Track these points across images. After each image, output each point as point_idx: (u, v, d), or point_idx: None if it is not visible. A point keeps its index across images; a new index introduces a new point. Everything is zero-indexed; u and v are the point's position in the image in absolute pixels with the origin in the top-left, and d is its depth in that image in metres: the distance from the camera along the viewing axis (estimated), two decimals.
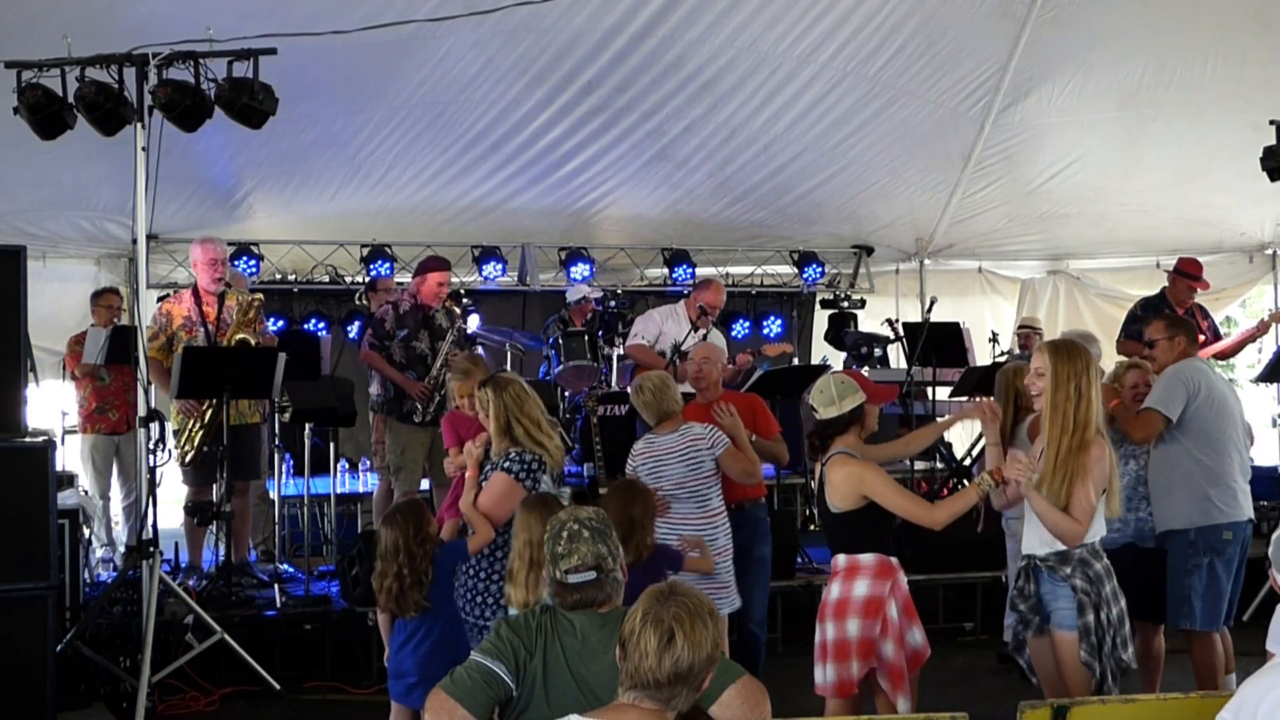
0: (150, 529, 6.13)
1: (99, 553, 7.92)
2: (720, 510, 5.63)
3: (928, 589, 7.58)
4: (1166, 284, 8.75)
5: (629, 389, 6.26)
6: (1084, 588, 4.27)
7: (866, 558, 4.48)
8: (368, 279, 9.61)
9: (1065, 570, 4.30)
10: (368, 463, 9.62)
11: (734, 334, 10.81)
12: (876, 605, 4.43)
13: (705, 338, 8.06)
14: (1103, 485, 4.30)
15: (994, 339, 10.21)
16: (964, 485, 8.65)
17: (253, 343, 7.15)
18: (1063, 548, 4.31)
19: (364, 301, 9.52)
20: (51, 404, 8.56)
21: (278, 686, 6.28)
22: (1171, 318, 6.07)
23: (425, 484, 7.81)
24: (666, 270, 10.75)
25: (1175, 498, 5.49)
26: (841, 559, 4.55)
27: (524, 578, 4.06)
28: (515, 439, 4.81)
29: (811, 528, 9.35)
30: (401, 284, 9.46)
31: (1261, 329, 8.89)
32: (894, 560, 4.53)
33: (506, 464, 4.77)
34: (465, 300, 9.40)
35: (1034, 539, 4.42)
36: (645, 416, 5.79)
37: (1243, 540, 5.57)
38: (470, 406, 5.31)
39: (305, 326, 9.94)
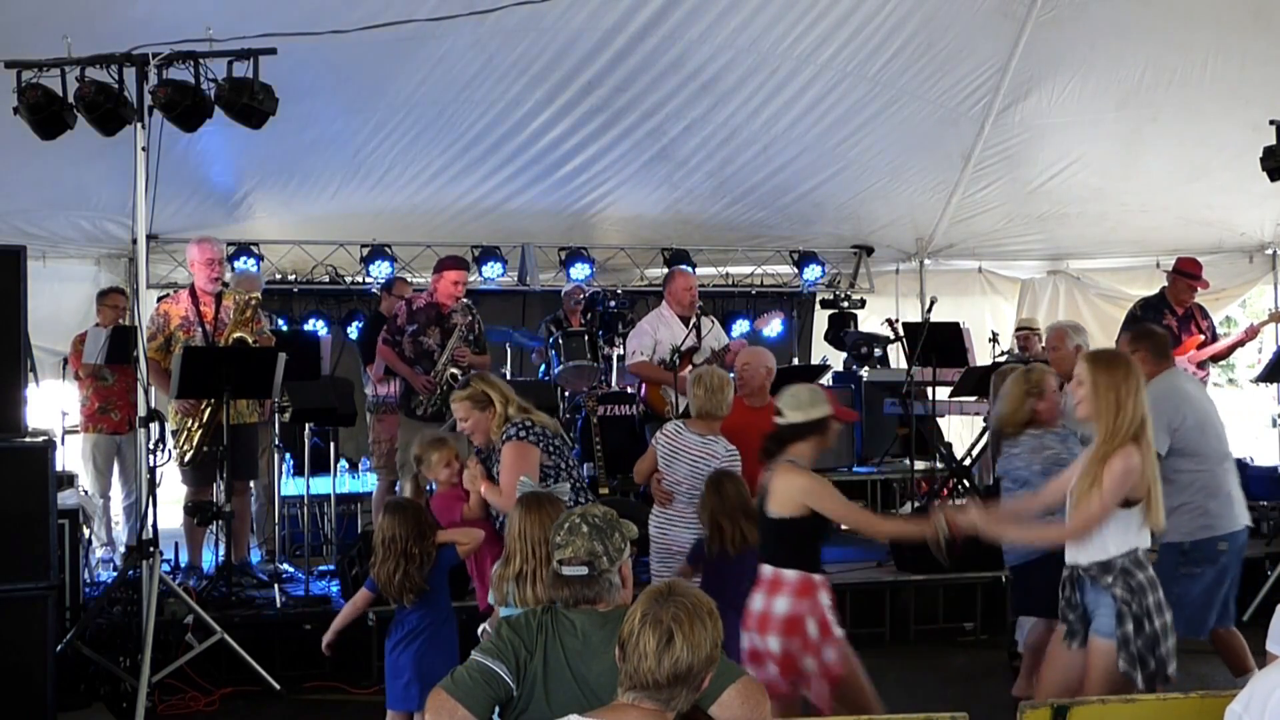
0: (150, 529, 6.13)
1: (99, 553, 7.92)
2: None
3: (928, 589, 7.59)
4: (1166, 284, 8.76)
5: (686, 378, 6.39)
6: (1124, 596, 4.22)
7: (789, 574, 4.50)
8: (385, 278, 9.60)
9: (1107, 579, 4.25)
10: (368, 463, 9.62)
11: (733, 334, 10.80)
12: (796, 623, 4.46)
13: (701, 336, 8.06)
14: (1125, 494, 4.22)
15: (994, 339, 10.22)
16: (964, 485, 8.68)
17: (250, 341, 7.15)
18: (1105, 557, 4.26)
19: (378, 295, 9.51)
20: (51, 404, 8.56)
21: (278, 686, 6.27)
22: (1136, 331, 5.78)
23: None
24: (666, 270, 10.75)
25: (1175, 514, 5.45)
26: (768, 570, 4.58)
27: (541, 574, 4.03)
28: (508, 418, 5.04)
29: None
30: (417, 286, 9.46)
31: (1249, 334, 8.89)
32: (816, 577, 4.53)
33: (507, 435, 4.97)
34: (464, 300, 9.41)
35: (1076, 549, 4.38)
36: (690, 406, 5.98)
37: (1238, 548, 5.52)
38: (451, 477, 5.26)
39: (305, 326, 9.93)
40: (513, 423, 5.01)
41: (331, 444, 8.52)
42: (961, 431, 10.54)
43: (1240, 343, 8.84)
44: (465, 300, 7.94)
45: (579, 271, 10.36)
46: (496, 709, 3.12)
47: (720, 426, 5.91)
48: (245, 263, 9.46)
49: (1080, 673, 4.38)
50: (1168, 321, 8.57)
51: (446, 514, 5.18)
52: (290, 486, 8.54)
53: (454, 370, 7.65)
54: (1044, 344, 9.25)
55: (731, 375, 6.56)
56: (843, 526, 4.89)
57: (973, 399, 9.38)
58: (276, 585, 7.10)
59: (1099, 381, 4.28)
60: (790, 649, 4.43)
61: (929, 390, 9.27)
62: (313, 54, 6.90)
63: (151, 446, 6.18)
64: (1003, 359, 9.30)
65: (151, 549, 6.05)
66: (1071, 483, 4.40)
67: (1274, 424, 11.00)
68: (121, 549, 7.96)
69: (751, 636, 4.56)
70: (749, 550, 5.32)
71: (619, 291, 10.00)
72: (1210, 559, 5.42)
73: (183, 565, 7.46)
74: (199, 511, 6.96)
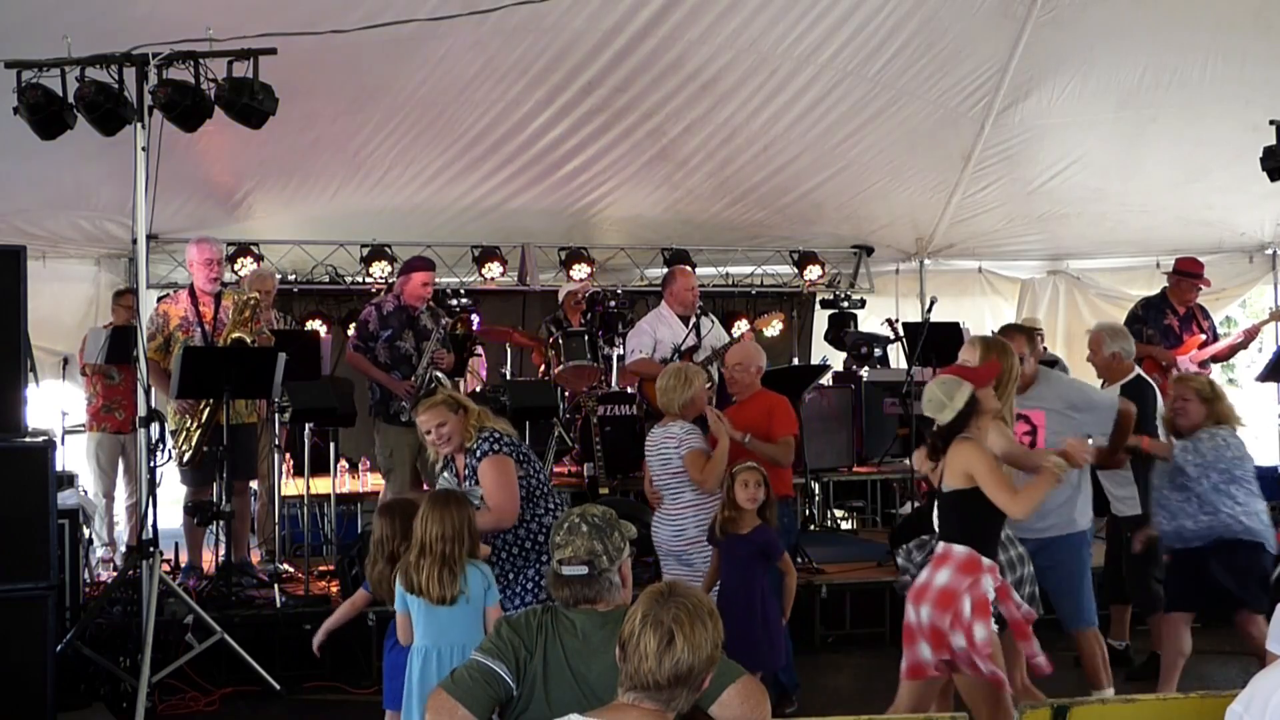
0: (150, 529, 6.13)
1: (99, 553, 7.92)
2: (692, 504, 5.82)
3: None
4: (1167, 284, 8.75)
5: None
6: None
7: (958, 549, 4.43)
8: (390, 280, 9.58)
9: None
10: (368, 463, 9.62)
11: (734, 334, 10.80)
12: (950, 597, 4.38)
13: (701, 335, 8.07)
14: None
15: None
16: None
17: (249, 341, 7.14)
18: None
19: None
20: (51, 404, 8.56)
21: (278, 686, 6.27)
22: (987, 341, 5.43)
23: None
24: (666, 270, 10.74)
25: (1080, 500, 5.48)
26: (939, 546, 4.52)
27: (428, 570, 4.13)
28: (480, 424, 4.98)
29: (812, 527, 9.36)
30: None
31: (1249, 335, 8.89)
32: (985, 560, 4.42)
33: (481, 451, 4.89)
34: (464, 300, 9.41)
35: None
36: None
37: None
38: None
39: (305, 327, 9.92)
40: (481, 437, 4.93)
41: (331, 444, 8.52)
42: None
43: (1241, 344, 8.84)
44: (432, 306, 7.90)
45: (579, 271, 10.36)
46: (497, 709, 3.12)
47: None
48: (246, 263, 9.48)
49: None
50: (1169, 321, 8.57)
51: None
52: (290, 486, 8.54)
53: (437, 374, 7.65)
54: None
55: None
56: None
57: None
58: (276, 585, 7.09)
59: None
60: (939, 624, 4.35)
61: None
62: (313, 54, 6.89)
63: (151, 446, 6.17)
64: None
65: (151, 549, 6.05)
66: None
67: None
68: (122, 549, 7.96)
69: (908, 610, 4.51)
70: (758, 528, 5.44)
71: (619, 291, 10.01)
72: (1089, 543, 5.52)
73: (183, 565, 7.45)
74: (199, 511, 6.95)
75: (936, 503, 4.64)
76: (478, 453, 4.91)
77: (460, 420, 4.95)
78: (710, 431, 5.99)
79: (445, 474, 4.88)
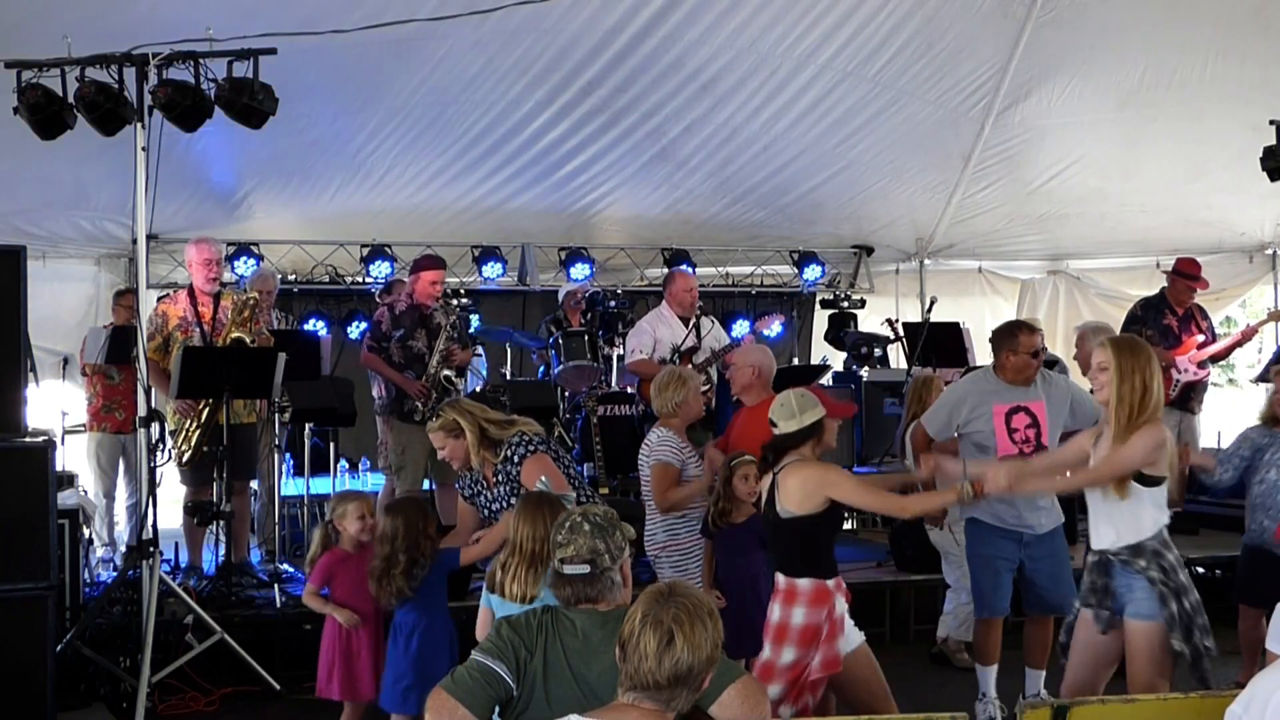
0: (150, 529, 6.13)
1: (99, 553, 7.92)
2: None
3: (928, 589, 7.58)
4: (1166, 284, 8.76)
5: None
6: (1160, 578, 4.29)
7: (804, 584, 4.45)
8: (385, 279, 9.59)
9: (1140, 563, 4.32)
10: (367, 463, 9.62)
11: (733, 334, 10.81)
12: (814, 633, 4.42)
13: (701, 336, 8.07)
14: (1152, 460, 4.31)
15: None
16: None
17: (248, 341, 7.14)
18: (1135, 540, 4.33)
19: (380, 302, 9.50)
20: (51, 404, 8.56)
21: (278, 686, 6.26)
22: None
23: (427, 484, 7.82)
24: (666, 270, 10.75)
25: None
26: (781, 580, 4.53)
27: (519, 572, 4.08)
28: (492, 439, 4.95)
29: None
30: None
31: (1247, 335, 8.90)
32: (829, 583, 4.48)
33: (518, 455, 4.90)
34: (465, 300, 9.42)
35: (1106, 533, 4.42)
36: None
37: None
38: (360, 533, 5.07)
39: (305, 327, 9.93)
40: (510, 443, 4.95)
41: (331, 444, 8.52)
42: None
43: (1238, 343, 8.86)
44: (444, 301, 7.91)
45: (579, 271, 10.36)
46: (497, 708, 3.12)
47: (680, 423, 5.92)
48: (246, 263, 9.49)
49: (1109, 655, 4.46)
50: (1168, 321, 8.58)
51: (327, 572, 5.06)
52: (290, 486, 8.54)
53: (447, 371, 7.64)
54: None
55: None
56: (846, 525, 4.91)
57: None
58: (276, 585, 7.09)
59: (1123, 364, 4.34)
60: (804, 660, 4.39)
61: None
62: (313, 54, 6.90)
63: (151, 446, 6.17)
64: None
65: (151, 549, 6.04)
66: (1093, 461, 4.47)
67: None
68: (122, 549, 7.96)
69: (767, 649, 4.51)
70: (754, 516, 5.37)
71: (619, 291, 10.02)
72: None
73: (183, 565, 7.45)
74: (199, 511, 6.95)
75: (771, 528, 4.60)
76: (514, 458, 4.94)
77: (460, 444, 4.97)
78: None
79: (543, 479, 4.86)
